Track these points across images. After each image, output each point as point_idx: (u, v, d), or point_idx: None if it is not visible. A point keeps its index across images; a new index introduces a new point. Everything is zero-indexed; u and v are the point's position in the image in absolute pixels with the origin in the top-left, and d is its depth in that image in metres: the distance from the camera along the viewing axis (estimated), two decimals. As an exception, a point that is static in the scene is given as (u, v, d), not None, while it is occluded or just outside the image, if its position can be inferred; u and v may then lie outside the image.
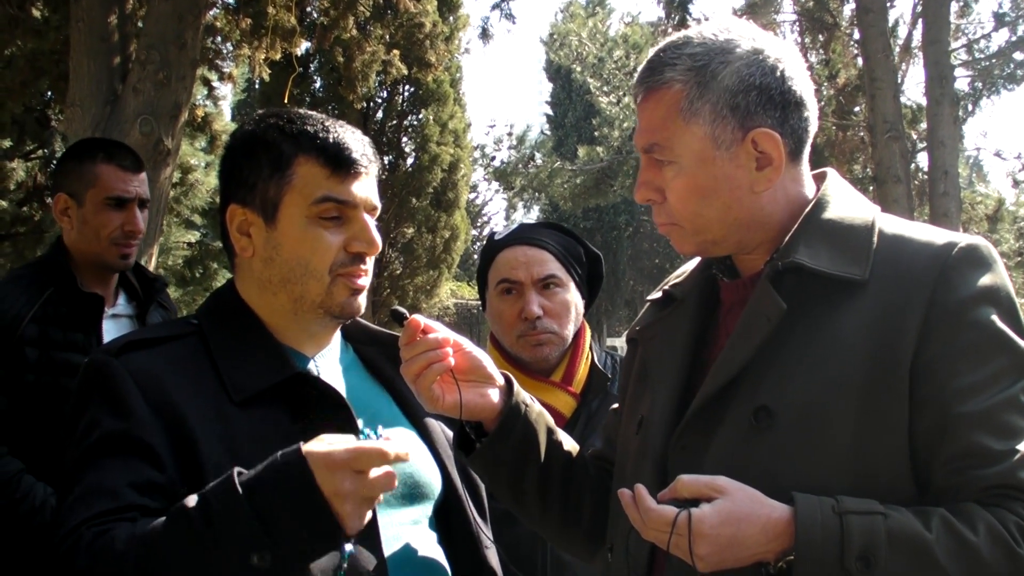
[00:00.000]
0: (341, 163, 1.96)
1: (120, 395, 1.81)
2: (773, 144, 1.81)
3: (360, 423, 1.92)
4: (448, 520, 2.10)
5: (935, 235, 1.78)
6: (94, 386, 1.85)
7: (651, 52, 1.91)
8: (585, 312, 3.03)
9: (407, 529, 1.98)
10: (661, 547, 1.65)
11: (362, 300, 2.02)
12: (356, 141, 2.00)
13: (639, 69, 1.92)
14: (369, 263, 2.02)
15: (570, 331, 2.94)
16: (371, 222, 2.00)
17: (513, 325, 2.89)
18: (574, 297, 2.95)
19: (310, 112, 2.04)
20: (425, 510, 2.05)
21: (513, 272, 2.89)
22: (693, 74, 1.82)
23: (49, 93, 12.79)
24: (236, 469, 1.65)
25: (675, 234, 1.90)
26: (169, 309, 3.80)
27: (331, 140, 1.97)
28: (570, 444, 2.17)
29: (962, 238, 1.76)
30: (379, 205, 2.04)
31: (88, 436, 1.81)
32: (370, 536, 1.86)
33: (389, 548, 1.89)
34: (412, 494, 2.02)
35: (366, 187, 2.00)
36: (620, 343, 24.48)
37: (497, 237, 3.00)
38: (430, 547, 2.02)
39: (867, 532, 1.58)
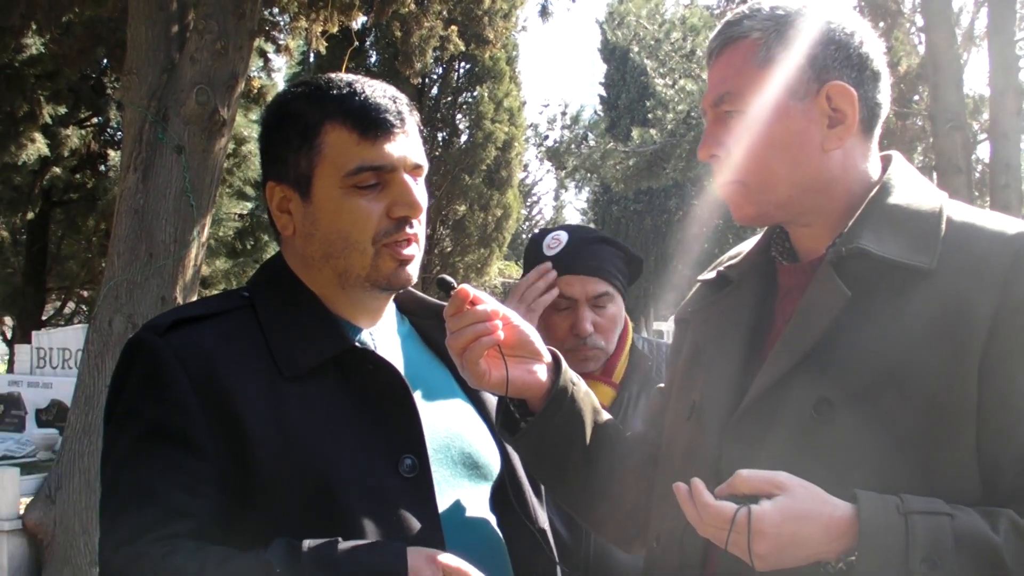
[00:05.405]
0: (371, 125, 1.84)
1: (161, 379, 1.76)
2: (848, 100, 1.74)
3: (417, 397, 1.88)
4: (505, 500, 2.04)
5: (1006, 224, 1.70)
6: (135, 368, 1.81)
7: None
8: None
9: (466, 509, 1.93)
10: (718, 544, 1.59)
11: (411, 270, 1.92)
12: (386, 99, 1.88)
13: (717, 28, 1.85)
14: (417, 227, 1.90)
15: (615, 341, 2.96)
16: (413, 182, 1.88)
17: (563, 339, 2.87)
18: (621, 306, 2.96)
19: (339, 75, 1.93)
20: (484, 490, 2.00)
21: (568, 288, 2.88)
22: (772, 23, 1.77)
23: (105, 61, 12.88)
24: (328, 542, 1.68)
25: (736, 193, 1.81)
26: None
27: (357, 102, 1.85)
28: (614, 426, 2.10)
29: None
30: (423, 162, 1.92)
31: (127, 425, 1.79)
32: (429, 516, 1.82)
33: (448, 528, 1.84)
34: (472, 474, 1.97)
35: (403, 146, 1.87)
36: (667, 327, 24.37)
37: (548, 252, 2.94)
38: (489, 527, 1.98)
39: (933, 533, 1.51)
